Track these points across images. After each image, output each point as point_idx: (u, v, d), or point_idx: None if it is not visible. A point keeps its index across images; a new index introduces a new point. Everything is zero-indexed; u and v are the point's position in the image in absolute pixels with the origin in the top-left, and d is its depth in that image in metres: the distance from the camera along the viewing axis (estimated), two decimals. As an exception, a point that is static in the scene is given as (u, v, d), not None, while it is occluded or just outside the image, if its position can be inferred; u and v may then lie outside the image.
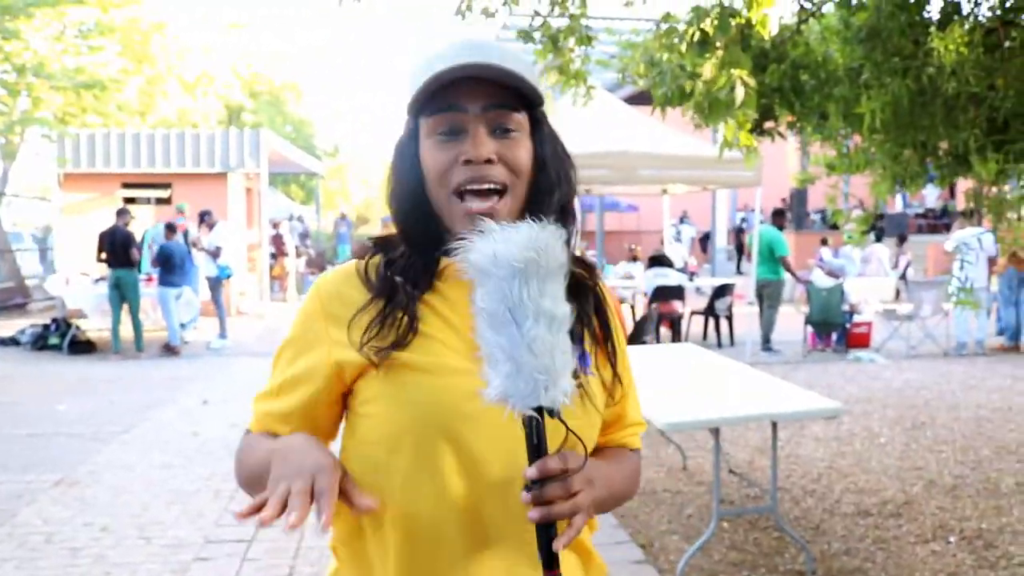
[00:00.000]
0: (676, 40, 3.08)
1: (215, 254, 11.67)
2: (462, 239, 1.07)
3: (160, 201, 14.82)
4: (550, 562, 1.05)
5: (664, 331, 10.49)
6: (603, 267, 10.10)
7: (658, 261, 11.02)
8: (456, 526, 1.17)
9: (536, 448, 1.06)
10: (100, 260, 10.63)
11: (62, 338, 11.14)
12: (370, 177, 39.58)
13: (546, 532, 1.06)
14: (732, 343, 10.99)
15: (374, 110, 49.59)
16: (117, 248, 10.36)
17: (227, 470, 5.39)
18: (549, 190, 1.22)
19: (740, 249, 22.28)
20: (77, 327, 11.33)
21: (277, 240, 17.89)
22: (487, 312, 1.04)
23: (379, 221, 34.11)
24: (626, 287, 11.39)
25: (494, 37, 13.46)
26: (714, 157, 9.84)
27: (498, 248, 1.03)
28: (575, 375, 1.07)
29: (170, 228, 11.06)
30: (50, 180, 16.78)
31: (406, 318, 1.19)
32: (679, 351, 5.77)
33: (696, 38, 2.98)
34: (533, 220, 1.06)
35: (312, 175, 24.65)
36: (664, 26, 3.24)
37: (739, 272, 20.53)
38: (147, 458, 6.01)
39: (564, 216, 1.23)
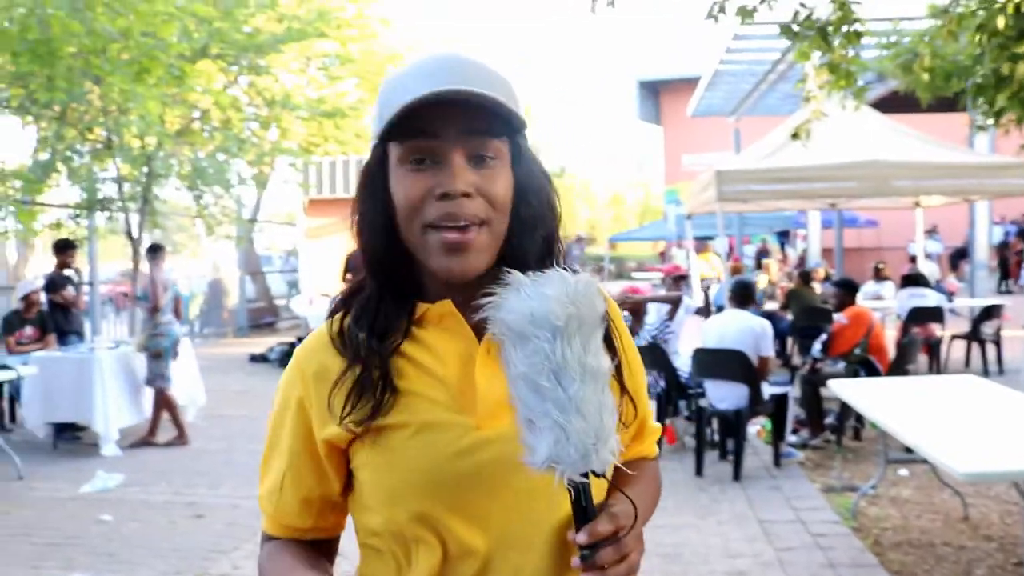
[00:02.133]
0: (989, 16, 2.56)
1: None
2: (488, 295, 1.01)
3: (394, 224, 15.36)
4: None
5: (920, 357, 9.51)
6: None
7: (913, 280, 10.05)
8: None
9: (584, 512, 1.02)
10: (344, 280, 11.05)
11: (306, 356, 11.68)
12: (595, 196, 39.55)
13: None
14: (1001, 371, 9.81)
15: (596, 130, 49.81)
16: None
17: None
18: (533, 224, 1.12)
19: (1004, 266, 20.09)
20: (319, 345, 11.86)
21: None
22: (527, 377, 0.98)
23: (605, 241, 34.06)
24: (876, 309, 10.45)
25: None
26: (976, 165, 8.86)
27: (533, 305, 0.97)
28: None
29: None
30: (295, 206, 17.85)
31: (382, 380, 1.10)
32: (959, 384, 5.06)
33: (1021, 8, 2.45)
34: (562, 269, 1.02)
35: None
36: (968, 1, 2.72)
37: (1000, 291, 18.53)
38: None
39: (550, 249, 1.15)
